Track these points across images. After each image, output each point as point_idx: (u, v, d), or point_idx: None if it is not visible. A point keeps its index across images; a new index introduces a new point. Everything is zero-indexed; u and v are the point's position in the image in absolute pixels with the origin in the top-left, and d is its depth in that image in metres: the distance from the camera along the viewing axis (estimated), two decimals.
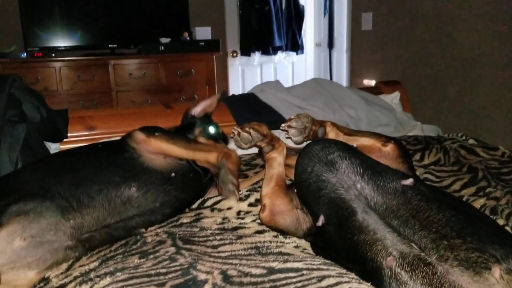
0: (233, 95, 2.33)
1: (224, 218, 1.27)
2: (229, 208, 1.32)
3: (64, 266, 1.05)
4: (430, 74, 3.53)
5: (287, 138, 1.36)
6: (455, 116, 3.33)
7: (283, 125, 1.35)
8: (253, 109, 2.09)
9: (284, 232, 1.19)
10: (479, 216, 1.01)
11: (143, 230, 1.20)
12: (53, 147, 1.71)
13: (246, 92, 2.99)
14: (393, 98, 2.42)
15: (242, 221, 1.27)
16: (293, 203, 1.21)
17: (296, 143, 1.36)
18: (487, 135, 2.89)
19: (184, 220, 1.25)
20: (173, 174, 1.30)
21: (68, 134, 1.79)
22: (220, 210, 1.32)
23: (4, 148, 1.33)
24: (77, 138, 1.82)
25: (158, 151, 1.31)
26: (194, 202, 1.37)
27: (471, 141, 1.93)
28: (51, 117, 1.63)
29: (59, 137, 1.72)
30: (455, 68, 3.31)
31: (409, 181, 0.99)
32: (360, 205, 0.95)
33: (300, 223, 1.19)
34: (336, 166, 1.01)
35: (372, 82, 3.93)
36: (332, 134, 1.34)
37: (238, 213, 1.31)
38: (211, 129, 1.57)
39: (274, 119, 2.11)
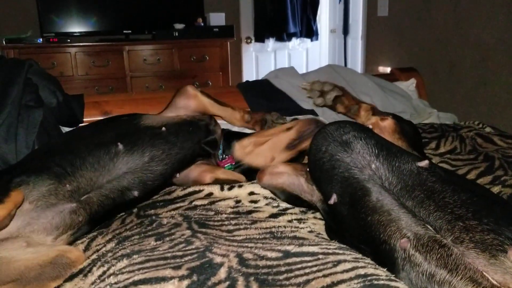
0: (247, 81, 2.32)
1: (237, 201, 1.28)
2: (240, 186, 1.33)
3: (81, 246, 1.07)
4: (446, 61, 3.47)
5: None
6: (472, 104, 3.28)
7: (304, 83, 1.46)
8: (267, 95, 2.09)
9: (285, 192, 1.23)
10: (495, 199, 1.00)
11: (136, 193, 1.23)
12: None
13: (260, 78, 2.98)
14: (409, 85, 2.40)
15: (256, 205, 1.28)
16: (299, 171, 1.24)
17: (316, 104, 1.43)
18: (505, 124, 2.85)
19: (198, 203, 1.26)
20: (163, 129, 1.36)
21: (84, 119, 1.80)
22: (230, 188, 1.33)
23: (21, 132, 1.35)
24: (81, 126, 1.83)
25: (200, 106, 1.51)
26: (188, 162, 1.39)
27: (488, 129, 1.91)
28: (67, 102, 1.64)
29: (75, 122, 1.74)
30: (472, 55, 3.25)
31: (424, 163, 0.98)
32: (375, 185, 0.94)
33: (304, 189, 1.22)
34: (351, 146, 1.01)
35: (388, 69, 3.88)
36: (364, 114, 1.35)
37: (251, 193, 1.32)
38: None
39: (288, 106, 2.10)
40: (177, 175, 1.38)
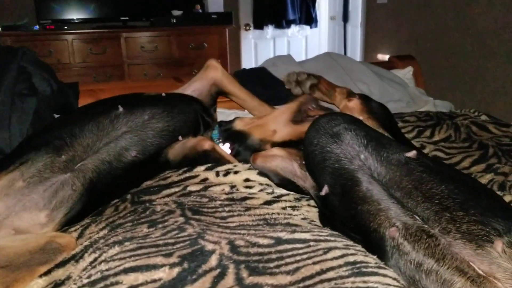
0: (244, 69, 2.31)
1: (232, 187, 1.28)
2: (236, 172, 1.33)
3: (74, 234, 1.07)
4: (445, 48, 3.46)
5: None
6: (469, 92, 3.28)
7: (282, 76, 1.55)
8: (264, 83, 2.08)
9: (279, 176, 1.24)
10: (482, 189, 1.01)
11: (134, 153, 1.22)
12: None
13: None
14: (406, 73, 2.39)
15: (251, 190, 1.28)
16: (293, 156, 1.26)
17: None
18: (501, 111, 2.85)
19: (193, 188, 1.26)
20: (163, 94, 1.40)
21: (79, 107, 1.80)
22: (226, 174, 1.33)
23: (15, 121, 1.35)
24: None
25: (219, 79, 1.54)
26: (189, 127, 1.40)
27: (483, 117, 1.91)
28: (61, 90, 1.64)
29: (70, 110, 1.73)
30: (471, 42, 3.24)
31: (412, 153, 0.99)
32: (364, 175, 0.96)
33: (297, 174, 1.23)
34: (340, 137, 1.02)
35: (386, 57, 3.87)
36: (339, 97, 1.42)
37: (246, 180, 1.32)
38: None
39: (285, 95, 2.10)
40: (180, 137, 1.37)
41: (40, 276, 0.91)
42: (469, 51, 3.27)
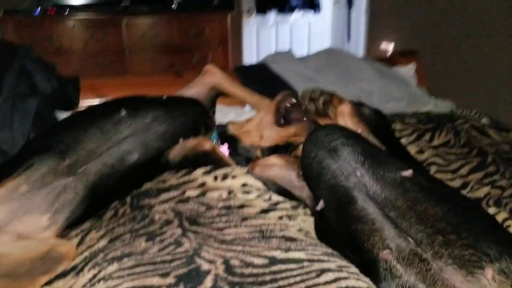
0: (244, 66, 2.31)
1: (230, 192, 1.29)
2: (234, 177, 1.34)
3: (75, 241, 1.09)
4: (449, 40, 3.42)
5: None
6: (473, 88, 3.25)
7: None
8: (264, 81, 2.08)
9: (276, 185, 1.26)
10: (476, 210, 1.03)
11: (136, 156, 1.24)
12: (65, 116, 1.74)
13: (259, 55, 2.94)
14: (408, 70, 2.39)
15: (248, 196, 1.29)
16: (291, 165, 1.26)
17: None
18: (506, 108, 2.84)
19: (191, 193, 1.27)
20: (164, 97, 1.42)
21: (79, 103, 1.81)
22: (224, 178, 1.34)
23: (17, 122, 1.36)
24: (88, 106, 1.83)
25: (217, 83, 1.56)
26: (190, 129, 1.41)
27: (484, 120, 1.91)
28: (62, 87, 1.64)
29: (71, 106, 1.74)
30: (477, 36, 3.20)
31: (408, 172, 1.00)
32: (360, 193, 0.97)
33: (295, 184, 1.24)
34: (337, 153, 1.03)
35: (390, 45, 3.84)
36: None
37: (244, 185, 1.33)
38: None
39: None
40: (181, 140, 1.38)
41: (41, 286, 0.93)
42: (474, 40, 3.22)
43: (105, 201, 1.25)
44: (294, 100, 1.46)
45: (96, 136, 1.19)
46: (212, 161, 1.39)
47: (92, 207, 1.21)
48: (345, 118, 1.25)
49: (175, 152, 1.40)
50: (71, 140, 1.17)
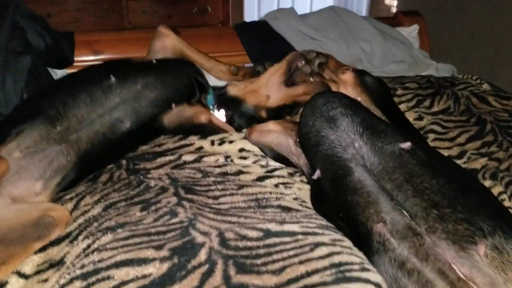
0: (245, 23, 2.25)
1: (226, 157, 1.29)
2: (231, 142, 1.34)
3: (69, 206, 1.09)
4: (452, 1, 3.33)
5: None
6: (475, 52, 3.19)
7: None
8: (264, 39, 2.03)
9: (273, 151, 1.26)
10: (473, 184, 1.02)
11: (128, 124, 1.24)
12: (59, 73, 1.70)
13: (261, 7, 2.85)
14: (411, 32, 2.33)
15: (245, 162, 1.29)
16: (289, 131, 1.25)
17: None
18: (507, 73, 2.79)
19: (187, 158, 1.27)
20: (154, 61, 1.40)
21: (75, 59, 1.77)
22: (221, 143, 1.33)
23: (9, 80, 1.33)
24: (83, 63, 1.79)
25: (177, 46, 1.53)
26: (183, 94, 1.40)
27: (485, 86, 1.88)
28: (56, 43, 1.60)
29: (65, 63, 1.70)
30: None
31: (406, 145, 0.99)
32: (357, 165, 0.96)
33: (292, 150, 1.23)
34: (336, 123, 1.01)
35: (394, 2, 3.74)
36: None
37: (241, 150, 1.33)
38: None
39: (285, 50, 2.05)
40: (173, 105, 1.37)
41: (35, 252, 0.94)
42: (477, 3, 3.13)
43: (97, 166, 1.25)
44: (303, 61, 1.43)
45: (86, 103, 1.18)
46: (209, 131, 1.38)
47: (84, 172, 1.21)
48: (347, 87, 1.23)
49: (170, 118, 1.39)
50: (61, 105, 1.16)
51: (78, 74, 1.34)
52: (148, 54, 1.54)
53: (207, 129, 1.36)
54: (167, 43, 1.53)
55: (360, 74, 1.28)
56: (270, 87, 1.45)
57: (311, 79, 1.44)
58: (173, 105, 1.35)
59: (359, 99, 1.21)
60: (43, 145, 1.11)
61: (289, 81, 1.45)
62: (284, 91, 1.45)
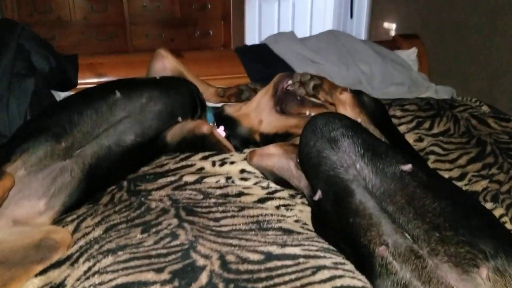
0: (246, 46, 2.28)
1: (228, 178, 1.29)
2: (232, 163, 1.34)
3: (70, 227, 1.09)
4: (452, 21, 3.37)
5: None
6: (474, 75, 3.21)
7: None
8: (265, 61, 2.06)
9: (274, 175, 1.25)
10: (474, 206, 1.02)
11: (132, 136, 1.25)
12: (63, 96, 1.72)
13: (261, 31, 2.88)
14: (410, 54, 2.36)
15: (246, 183, 1.29)
16: (290, 155, 1.25)
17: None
18: (506, 94, 2.81)
19: (188, 179, 1.27)
20: (157, 77, 1.44)
21: (78, 82, 1.79)
22: (222, 164, 1.33)
23: (13, 102, 1.34)
24: (87, 85, 1.81)
25: (175, 67, 1.56)
26: (187, 108, 1.42)
27: (484, 108, 1.90)
28: (60, 66, 1.62)
29: (69, 85, 1.72)
30: (479, 15, 3.14)
31: (407, 167, 0.99)
32: (359, 186, 0.96)
33: (293, 174, 1.23)
34: (337, 144, 1.01)
35: (393, 26, 3.78)
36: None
37: (242, 171, 1.33)
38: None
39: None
40: (179, 118, 1.38)
41: (36, 275, 0.93)
42: (477, 23, 3.16)
43: (101, 185, 1.25)
44: (290, 82, 1.43)
45: (92, 119, 1.19)
46: (210, 144, 1.39)
47: (88, 191, 1.20)
48: (346, 107, 1.23)
49: (173, 133, 1.39)
50: (66, 122, 1.17)
51: (83, 93, 1.35)
52: (147, 75, 1.56)
53: (209, 143, 1.37)
54: (167, 64, 1.55)
55: (358, 95, 1.29)
56: (261, 111, 1.46)
57: (306, 113, 1.45)
58: (179, 118, 1.37)
59: (359, 120, 1.22)
60: (46, 162, 1.11)
61: (280, 106, 1.46)
62: (276, 117, 1.45)
